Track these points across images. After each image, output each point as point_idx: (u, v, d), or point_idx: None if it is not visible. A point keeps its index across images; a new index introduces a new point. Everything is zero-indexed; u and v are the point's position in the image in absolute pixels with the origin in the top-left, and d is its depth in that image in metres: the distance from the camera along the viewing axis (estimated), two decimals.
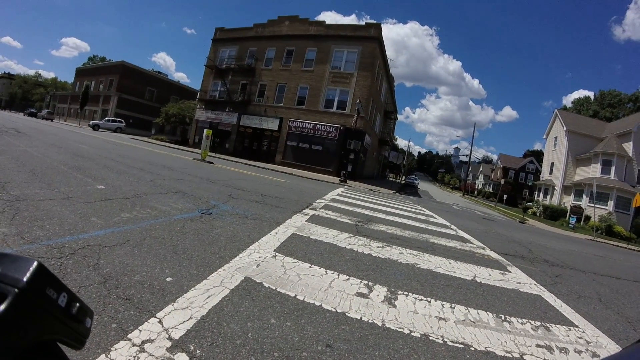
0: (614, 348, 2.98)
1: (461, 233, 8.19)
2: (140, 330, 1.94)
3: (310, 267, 3.57)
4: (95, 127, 35.39)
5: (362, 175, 28.99)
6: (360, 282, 3.41)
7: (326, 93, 26.47)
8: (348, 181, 20.39)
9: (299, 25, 28.50)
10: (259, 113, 28.68)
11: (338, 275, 3.48)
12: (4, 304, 0.37)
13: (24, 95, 75.74)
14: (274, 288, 2.87)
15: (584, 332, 3.22)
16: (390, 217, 8.34)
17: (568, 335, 3.04)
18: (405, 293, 3.34)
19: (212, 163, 16.29)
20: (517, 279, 4.73)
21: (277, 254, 3.82)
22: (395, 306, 2.98)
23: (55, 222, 3.50)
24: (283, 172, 19.24)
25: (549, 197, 33.61)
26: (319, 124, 25.74)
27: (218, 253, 3.52)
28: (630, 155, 27.01)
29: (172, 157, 15.94)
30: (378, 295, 3.15)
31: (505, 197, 38.08)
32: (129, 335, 1.88)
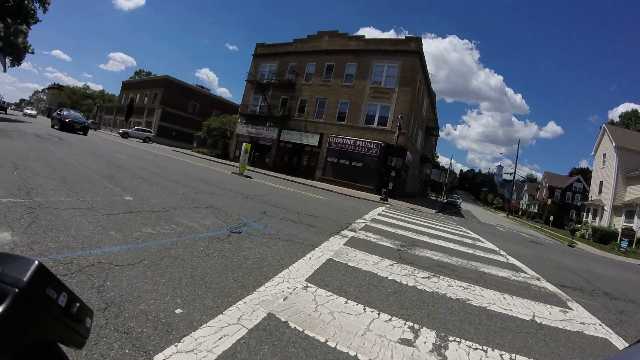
0: None
1: (512, 260, 7.28)
2: None
3: (347, 302, 2.99)
4: (125, 135, 36.74)
5: (403, 193, 27.89)
6: (404, 323, 2.80)
7: (367, 108, 25.94)
8: (389, 199, 19.53)
9: (339, 40, 28.45)
10: (299, 128, 28.71)
11: (378, 314, 2.88)
12: (4, 304, 0.36)
13: (72, 105, 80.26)
14: (301, 330, 2.34)
15: None
16: (435, 241, 7.53)
17: None
18: (457, 340, 2.71)
19: (249, 177, 16.24)
20: (580, 318, 4.00)
21: (308, 284, 3.26)
22: (446, 357, 2.37)
23: (71, 234, 3.22)
24: (322, 189, 18.82)
25: (598, 218, 30.89)
26: (360, 140, 25.19)
27: (241, 281, 3.03)
28: None
29: (211, 170, 16.10)
30: (425, 343, 2.54)
31: (551, 218, 35.27)
32: None
